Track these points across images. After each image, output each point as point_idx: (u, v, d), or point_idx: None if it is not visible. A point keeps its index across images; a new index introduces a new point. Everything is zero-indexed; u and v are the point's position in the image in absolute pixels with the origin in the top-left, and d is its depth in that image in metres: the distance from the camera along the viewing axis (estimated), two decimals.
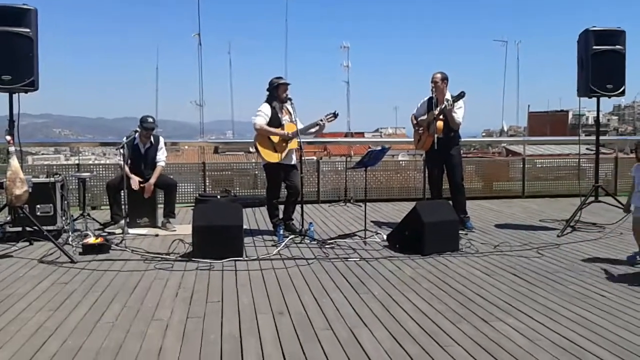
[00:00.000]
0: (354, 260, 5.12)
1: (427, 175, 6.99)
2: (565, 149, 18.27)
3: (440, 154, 6.50)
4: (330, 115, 6.31)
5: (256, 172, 9.63)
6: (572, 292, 4.18)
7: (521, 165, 10.01)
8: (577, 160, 9.98)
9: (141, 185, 6.56)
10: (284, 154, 6.17)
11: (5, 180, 5.31)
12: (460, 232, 5.86)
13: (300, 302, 3.97)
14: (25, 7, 5.62)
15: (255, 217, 7.32)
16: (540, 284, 4.38)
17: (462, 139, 6.85)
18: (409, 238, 5.49)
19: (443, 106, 6.29)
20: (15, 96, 5.81)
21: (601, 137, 7.73)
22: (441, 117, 6.38)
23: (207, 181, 9.18)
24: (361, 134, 33.74)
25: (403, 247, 5.51)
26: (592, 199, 6.86)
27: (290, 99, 6.27)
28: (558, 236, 6.22)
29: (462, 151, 6.99)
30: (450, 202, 6.31)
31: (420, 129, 6.72)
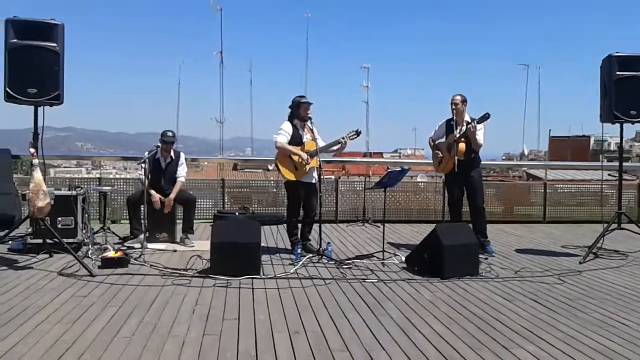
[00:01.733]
0: (372, 282, 5.07)
1: (446, 197, 6.93)
2: (586, 174, 18.08)
3: (460, 176, 6.45)
4: (353, 133, 6.27)
5: (274, 190, 9.65)
6: (593, 320, 4.10)
7: (542, 190, 9.91)
8: (598, 186, 9.87)
9: (161, 200, 6.62)
10: (304, 172, 6.17)
11: (28, 192, 5.37)
12: (480, 256, 5.79)
13: (317, 322, 3.93)
14: (52, 22, 5.72)
15: (273, 235, 7.32)
16: (561, 311, 4.29)
17: (482, 162, 6.79)
18: (427, 260, 5.43)
19: (467, 127, 6.25)
20: (40, 109, 5.89)
21: (624, 164, 7.61)
22: (463, 139, 6.35)
23: (226, 198, 9.21)
24: (380, 154, 33.66)
25: (422, 270, 5.45)
26: (614, 225, 6.74)
27: (310, 118, 6.29)
28: (580, 263, 6.11)
29: (482, 174, 6.93)
30: (470, 225, 6.25)
31: (440, 153, 6.68)
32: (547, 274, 5.54)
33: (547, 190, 9.90)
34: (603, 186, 9.36)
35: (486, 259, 6.13)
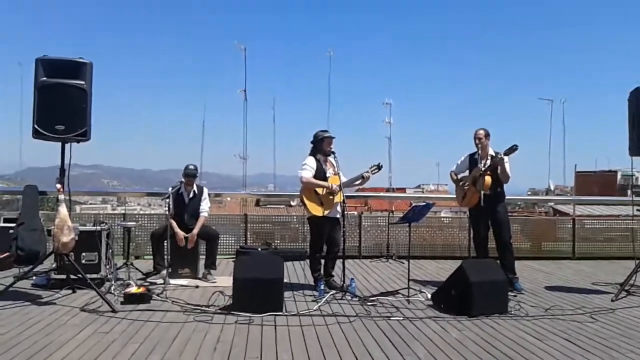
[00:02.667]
0: (397, 320, 4.95)
1: (472, 233, 6.78)
2: (614, 210, 17.72)
3: (486, 211, 6.34)
4: (375, 167, 6.23)
5: (297, 226, 9.61)
6: None
7: (570, 226, 9.70)
8: (627, 221, 9.64)
9: (184, 236, 6.62)
10: (329, 207, 6.13)
11: (53, 227, 5.41)
12: (509, 293, 5.63)
13: None
14: (81, 60, 5.83)
15: (295, 271, 7.24)
16: (595, 351, 4.13)
17: (507, 197, 6.66)
18: (455, 298, 5.28)
19: (497, 158, 6.15)
20: (67, 146, 5.97)
21: None
22: (488, 172, 6.25)
23: (249, 233, 9.18)
24: (402, 190, 33.39)
25: (448, 307, 5.31)
26: None
27: (333, 152, 6.27)
28: (612, 300, 5.92)
29: (507, 209, 6.79)
30: (498, 261, 6.10)
31: (466, 185, 6.58)
32: (579, 312, 5.36)
33: (576, 226, 9.69)
34: (633, 221, 9.14)
35: (515, 296, 5.96)
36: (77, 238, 5.61)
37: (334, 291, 5.88)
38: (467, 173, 6.64)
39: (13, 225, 7.11)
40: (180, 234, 6.60)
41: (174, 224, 6.60)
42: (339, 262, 6.31)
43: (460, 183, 6.72)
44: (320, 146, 6.26)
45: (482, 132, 6.43)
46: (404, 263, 8.30)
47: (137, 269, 6.79)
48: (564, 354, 4.04)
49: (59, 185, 5.60)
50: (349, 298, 5.74)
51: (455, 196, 6.99)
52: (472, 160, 6.55)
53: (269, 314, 4.93)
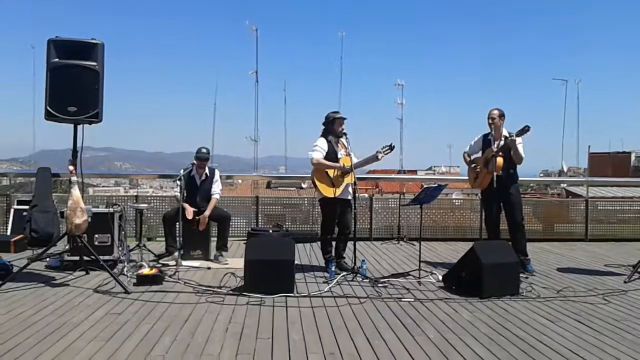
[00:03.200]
0: (408, 301, 4.95)
1: (484, 214, 6.74)
2: (627, 191, 17.58)
3: (498, 193, 6.29)
4: (387, 148, 6.15)
5: (308, 208, 9.62)
6: None
7: (583, 207, 9.63)
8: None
9: (196, 217, 6.64)
10: (340, 189, 6.11)
11: (66, 209, 5.44)
12: (520, 275, 5.60)
13: (352, 342, 3.83)
14: (93, 41, 5.82)
15: (306, 253, 7.26)
16: (607, 332, 4.11)
17: (520, 178, 6.61)
18: (466, 279, 5.28)
19: (509, 139, 6.08)
20: (79, 128, 5.98)
21: None
22: (500, 153, 6.19)
23: (260, 215, 9.21)
24: (414, 172, 33.26)
25: (460, 289, 5.30)
26: None
27: (345, 134, 6.24)
28: (625, 282, 5.88)
29: (520, 190, 6.74)
30: (509, 243, 6.07)
31: (478, 167, 6.53)
32: (591, 294, 5.33)
33: (589, 208, 9.62)
34: None
35: (527, 278, 5.94)
36: (89, 220, 5.64)
37: (344, 273, 5.90)
38: (480, 154, 6.57)
39: (27, 207, 7.20)
40: (190, 208, 6.62)
41: (183, 202, 6.62)
42: (350, 244, 6.31)
43: (472, 165, 6.67)
44: (332, 127, 6.23)
45: (496, 112, 6.35)
46: (415, 245, 8.30)
47: (149, 250, 6.84)
48: (576, 336, 4.03)
49: (71, 168, 5.61)
50: (360, 279, 5.74)
51: (467, 178, 6.94)
52: (486, 141, 6.49)
53: (280, 295, 4.95)
